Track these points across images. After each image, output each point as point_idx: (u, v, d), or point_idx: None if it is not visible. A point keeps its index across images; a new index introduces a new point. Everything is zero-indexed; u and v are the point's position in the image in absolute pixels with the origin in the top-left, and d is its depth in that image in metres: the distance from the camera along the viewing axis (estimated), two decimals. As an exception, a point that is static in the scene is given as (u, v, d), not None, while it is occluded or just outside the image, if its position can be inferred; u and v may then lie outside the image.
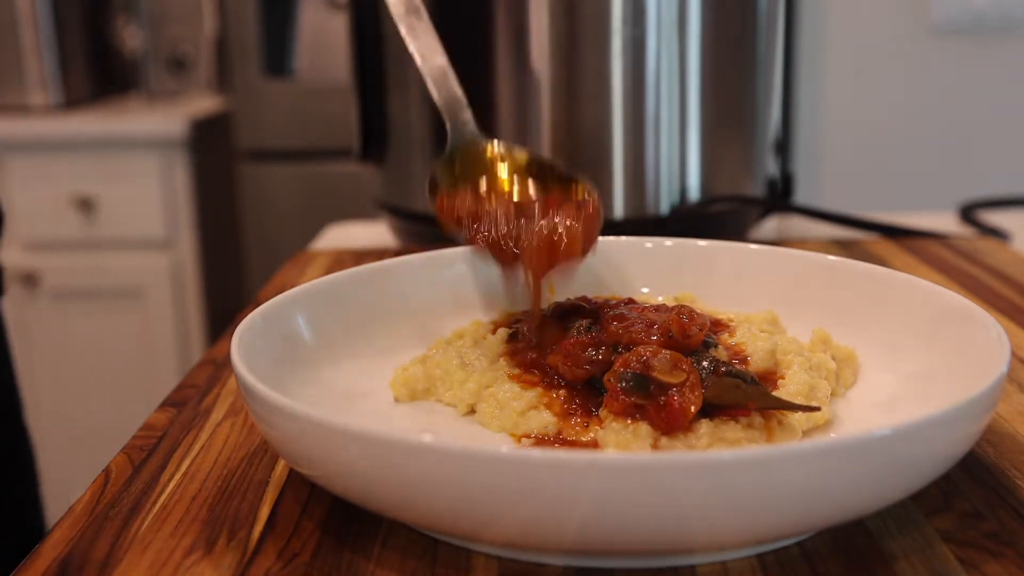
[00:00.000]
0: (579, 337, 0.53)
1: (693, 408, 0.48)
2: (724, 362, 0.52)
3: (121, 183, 2.24)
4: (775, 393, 0.53)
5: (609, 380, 0.50)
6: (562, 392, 0.53)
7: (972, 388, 0.44)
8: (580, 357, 0.52)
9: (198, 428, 0.58)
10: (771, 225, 1.13)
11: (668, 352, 0.50)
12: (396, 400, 0.58)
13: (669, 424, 0.48)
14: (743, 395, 0.49)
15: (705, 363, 0.51)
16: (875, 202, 2.24)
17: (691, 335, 0.53)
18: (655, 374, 0.49)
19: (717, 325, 0.60)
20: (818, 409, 0.51)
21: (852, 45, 2.26)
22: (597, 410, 0.51)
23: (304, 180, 2.32)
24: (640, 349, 0.50)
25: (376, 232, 1.16)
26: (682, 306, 0.58)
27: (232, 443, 0.56)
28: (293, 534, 0.46)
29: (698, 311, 0.59)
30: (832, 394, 0.56)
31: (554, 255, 0.58)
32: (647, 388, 0.49)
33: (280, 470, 0.52)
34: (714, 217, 0.97)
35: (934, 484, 0.49)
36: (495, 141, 0.67)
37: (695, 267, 0.69)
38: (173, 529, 0.47)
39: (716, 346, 0.55)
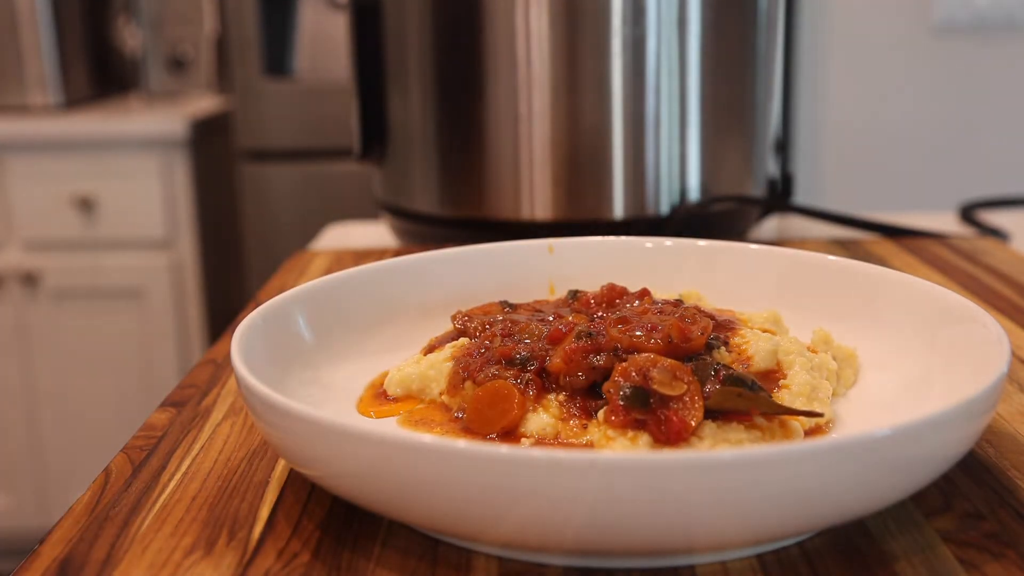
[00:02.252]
0: (579, 343, 0.52)
1: (694, 421, 0.48)
2: (725, 366, 0.52)
3: (121, 183, 2.25)
4: (777, 394, 0.53)
5: (609, 391, 0.49)
6: (561, 396, 0.52)
7: (972, 388, 0.44)
8: (580, 364, 0.52)
9: (198, 428, 0.58)
10: (771, 225, 1.13)
11: (668, 362, 0.50)
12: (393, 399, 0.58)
13: (670, 438, 0.48)
14: (745, 402, 0.49)
15: (708, 371, 0.51)
16: (875, 202, 2.25)
17: (692, 339, 0.53)
18: (654, 386, 0.48)
19: (722, 325, 0.59)
20: (821, 415, 0.51)
21: (852, 45, 2.26)
22: (596, 413, 0.51)
23: (304, 180, 2.32)
24: (639, 359, 0.50)
25: (376, 232, 1.16)
26: (686, 307, 0.58)
27: (232, 443, 0.56)
28: (293, 534, 0.46)
29: (703, 311, 0.59)
30: (833, 394, 0.56)
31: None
32: (647, 401, 0.48)
33: (280, 470, 0.52)
34: (714, 217, 0.97)
35: (934, 484, 0.49)
36: None
37: (695, 267, 0.69)
38: (173, 529, 0.47)
39: (719, 348, 0.55)
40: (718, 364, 0.52)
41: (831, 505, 0.41)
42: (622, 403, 0.48)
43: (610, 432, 0.48)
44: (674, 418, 0.47)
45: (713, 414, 0.49)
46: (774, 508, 0.40)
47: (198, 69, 2.73)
